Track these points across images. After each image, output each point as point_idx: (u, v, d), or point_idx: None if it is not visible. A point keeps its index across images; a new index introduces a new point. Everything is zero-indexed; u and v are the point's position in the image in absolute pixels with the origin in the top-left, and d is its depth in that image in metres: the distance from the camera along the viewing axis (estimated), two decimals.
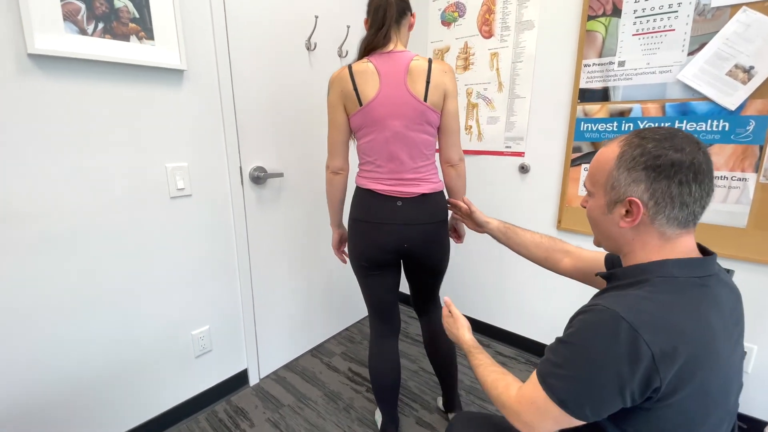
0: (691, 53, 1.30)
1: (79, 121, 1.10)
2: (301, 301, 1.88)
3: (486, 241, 1.88)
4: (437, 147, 1.20)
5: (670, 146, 0.56)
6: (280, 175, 1.61)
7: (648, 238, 0.60)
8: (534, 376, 0.62)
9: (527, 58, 1.68)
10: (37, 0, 0.97)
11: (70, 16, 1.03)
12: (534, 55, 1.66)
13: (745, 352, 1.36)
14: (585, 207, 0.71)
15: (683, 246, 0.60)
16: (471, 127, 1.92)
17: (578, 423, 0.58)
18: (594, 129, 1.53)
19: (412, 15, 1.17)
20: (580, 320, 0.58)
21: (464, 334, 0.90)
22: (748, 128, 1.24)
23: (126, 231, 1.23)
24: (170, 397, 1.45)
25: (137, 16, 1.15)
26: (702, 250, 0.63)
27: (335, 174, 1.22)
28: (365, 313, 2.19)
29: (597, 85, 1.50)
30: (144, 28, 1.17)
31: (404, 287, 1.81)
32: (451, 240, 1.34)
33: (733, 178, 1.29)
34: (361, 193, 1.20)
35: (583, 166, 1.59)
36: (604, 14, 1.44)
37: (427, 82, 1.08)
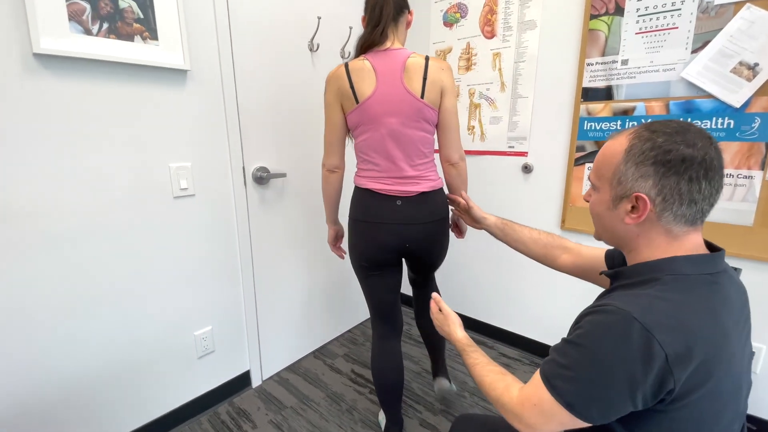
0: (695, 51, 1.29)
1: (83, 121, 1.10)
2: (303, 303, 1.88)
3: (488, 241, 1.88)
4: (437, 145, 1.19)
5: (681, 141, 0.54)
6: (283, 175, 1.61)
7: (654, 235, 0.59)
8: (537, 377, 0.60)
9: (530, 58, 1.68)
10: (42, 0, 0.97)
11: (75, 16, 1.04)
12: (536, 55, 1.66)
13: (753, 352, 1.35)
14: (588, 201, 0.69)
15: (691, 243, 0.58)
16: (474, 127, 1.92)
17: (584, 425, 0.56)
18: (597, 128, 1.53)
19: (410, 12, 1.17)
20: (590, 321, 0.56)
21: (456, 331, 0.86)
22: (753, 125, 1.23)
23: (129, 231, 1.24)
24: (172, 399, 1.45)
25: (141, 16, 1.16)
26: (709, 246, 0.61)
27: (331, 172, 1.22)
28: (368, 314, 2.18)
29: (600, 83, 1.50)
30: (148, 29, 1.17)
31: (405, 288, 1.80)
32: (452, 235, 1.33)
33: (739, 176, 1.28)
34: (360, 192, 1.20)
35: (587, 165, 1.58)
36: (606, 13, 1.44)
37: (424, 79, 1.08)
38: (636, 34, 1.39)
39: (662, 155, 0.54)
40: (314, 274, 1.90)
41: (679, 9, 1.30)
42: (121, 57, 1.13)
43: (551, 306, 1.82)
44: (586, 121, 1.55)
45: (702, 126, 1.31)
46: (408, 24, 1.18)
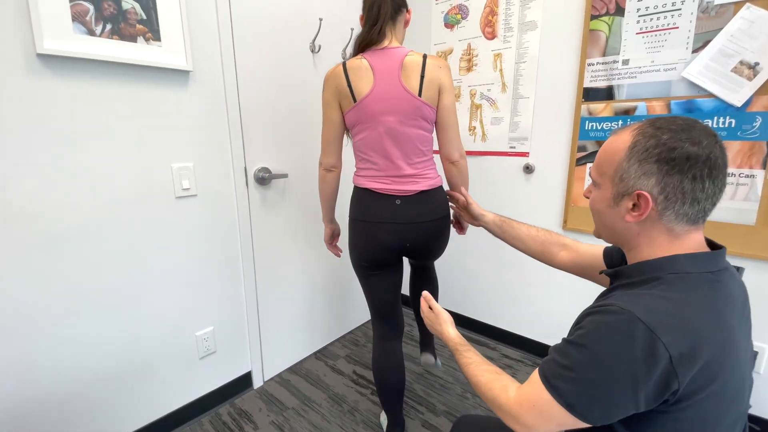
0: (696, 51, 1.29)
1: (86, 121, 1.11)
2: (304, 304, 1.87)
3: (489, 241, 1.88)
4: (437, 144, 1.19)
5: (686, 138, 0.53)
6: (285, 176, 1.62)
7: (655, 234, 0.58)
8: (536, 377, 0.59)
9: (530, 59, 1.68)
10: (46, 1, 0.98)
11: (78, 17, 1.05)
12: (537, 56, 1.66)
13: (756, 352, 1.34)
14: (588, 197, 0.68)
15: (692, 242, 0.57)
16: (475, 128, 1.92)
17: (584, 425, 0.55)
18: (599, 128, 1.53)
19: (408, 11, 1.16)
20: (592, 321, 0.55)
21: (448, 330, 0.84)
22: (754, 124, 1.24)
23: (131, 230, 1.24)
24: (174, 399, 1.44)
25: (144, 17, 1.16)
26: (711, 244, 0.60)
27: (328, 171, 1.22)
28: (370, 316, 2.18)
29: (601, 84, 1.50)
30: (151, 30, 1.18)
31: (405, 288, 1.80)
32: (452, 230, 1.33)
33: (741, 175, 1.28)
34: (359, 192, 1.19)
35: (588, 165, 1.58)
36: (607, 13, 1.45)
37: (422, 77, 1.07)
38: (636, 34, 1.40)
39: (666, 153, 0.53)
40: (315, 275, 1.90)
41: (680, 9, 1.31)
42: (123, 58, 1.13)
43: (554, 306, 1.82)
44: (587, 121, 1.55)
45: None
46: (406, 23, 1.18)
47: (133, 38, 1.15)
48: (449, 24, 1.93)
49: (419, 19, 2.04)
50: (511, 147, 1.81)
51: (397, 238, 1.16)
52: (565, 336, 0.59)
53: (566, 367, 0.55)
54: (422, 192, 1.15)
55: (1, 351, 1.05)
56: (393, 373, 1.30)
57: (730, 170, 1.29)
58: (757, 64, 1.21)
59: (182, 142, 1.32)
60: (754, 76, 1.21)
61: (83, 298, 1.17)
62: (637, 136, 0.57)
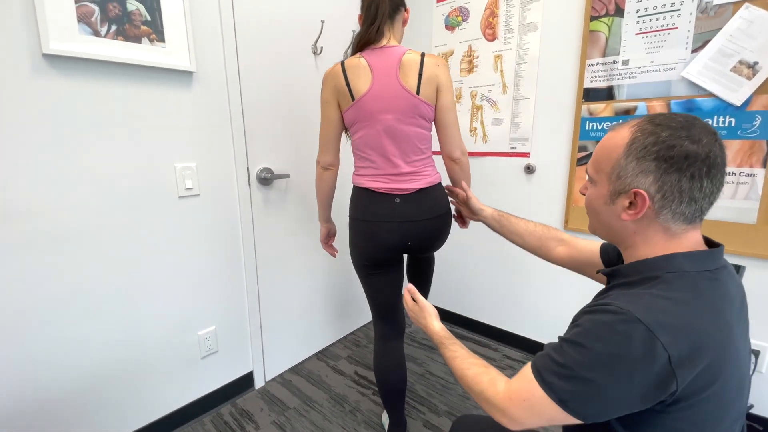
0: (695, 50, 1.30)
1: (90, 121, 1.12)
2: (306, 304, 1.88)
3: (490, 241, 1.88)
4: (437, 143, 1.19)
5: (686, 136, 0.52)
6: (287, 176, 1.63)
7: (651, 233, 0.57)
8: (528, 372, 0.58)
9: (531, 60, 1.69)
10: (52, 2, 1.00)
11: (84, 18, 1.06)
12: (537, 57, 1.67)
13: (758, 351, 1.34)
14: (584, 194, 0.67)
15: (689, 240, 0.57)
16: (476, 129, 1.93)
17: (576, 422, 0.54)
18: (599, 128, 1.54)
19: (406, 10, 1.17)
20: (590, 320, 0.54)
21: (432, 323, 0.83)
22: (754, 123, 1.24)
23: (134, 230, 1.24)
24: (175, 399, 1.44)
25: (149, 19, 1.18)
26: (708, 242, 0.60)
27: (325, 169, 1.22)
28: (371, 317, 2.18)
29: (601, 84, 1.51)
30: (155, 31, 1.20)
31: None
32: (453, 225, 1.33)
33: (742, 174, 1.28)
34: (358, 192, 1.20)
35: None
36: (606, 14, 1.46)
37: (420, 75, 1.08)
38: (636, 34, 1.41)
39: (665, 150, 0.53)
40: (317, 275, 1.90)
41: (679, 9, 1.31)
42: (128, 58, 1.15)
43: (556, 307, 1.82)
44: (587, 122, 1.56)
45: None
46: (404, 22, 1.19)
47: (137, 39, 1.16)
48: (450, 26, 1.94)
49: (420, 22, 2.06)
50: (512, 147, 1.82)
51: (398, 236, 1.16)
52: (562, 335, 0.58)
53: (561, 365, 0.54)
54: (421, 190, 1.15)
55: (3, 350, 1.05)
56: (394, 373, 1.30)
57: (730, 169, 1.30)
58: (756, 63, 1.21)
59: (185, 142, 1.33)
60: (754, 75, 1.22)
61: (85, 297, 1.17)
62: (635, 133, 0.56)
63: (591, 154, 1.57)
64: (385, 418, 1.46)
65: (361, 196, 1.19)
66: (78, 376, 1.19)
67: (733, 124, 1.28)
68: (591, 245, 0.87)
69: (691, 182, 0.52)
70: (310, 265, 1.85)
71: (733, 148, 1.28)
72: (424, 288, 1.49)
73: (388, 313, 1.29)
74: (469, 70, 1.91)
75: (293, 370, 1.84)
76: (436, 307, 2.25)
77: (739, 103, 1.25)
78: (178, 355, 1.42)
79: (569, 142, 1.64)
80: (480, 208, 1.13)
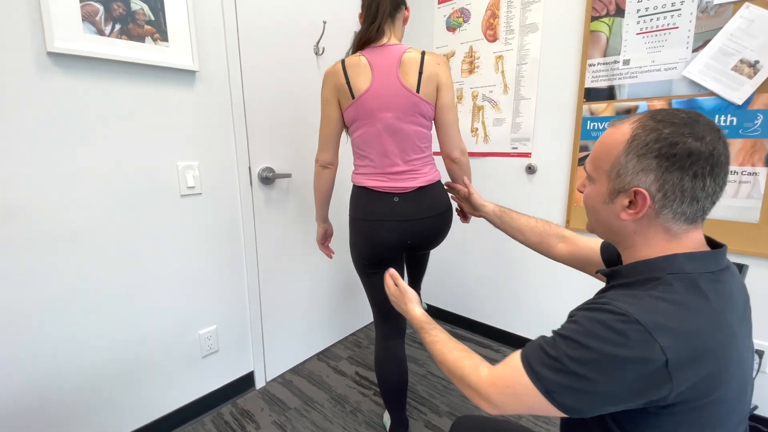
0: (696, 50, 1.31)
1: (93, 119, 1.13)
2: (307, 305, 1.87)
3: (492, 241, 1.88)
4: (436, 142, 1.19)
5: (689, 133, 0.50)
6: (288, 176, 1.63)
7: (651, 233, 0.56)
8: (515, 361, 0.57)
9: (532, 60, 1.70)
10: (57, 1, 1.01)
11: (88, 17, 1.07)
12: (539, 57, 1.68)
13: (763, 351, 1.33)
14: (582, 192, 0.65)
15: (691, 241, 0.55)
16: (477, 129, 1.93)
17: (558, 413, 0.53)
18: (600, 128, 1.54)
19: (406, 9, 1.17)
20: (586, 317, 0.53)
21: (413, 309, 0.84)
22: (756, 122, 1.24)
23: (135, 228, 1.25)
24: (176, 398, 1.44)
25: (152, 18, 1.19)
26: (711, 242, 0.58)
27: (324, 168, 1.22)
28: (372, 317, 2.18)
29: (602, 84, 1.51)
30: (159, 30, 1.21)
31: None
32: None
33: (744, 173, 1.28)
34: (357, 191, 1.20)
35: None
36: (607, 14, 1.46)
37: (420, 74, 1.08)
38: (637, 34, 1.41)
39: (667, 148, 0.51)
40: (318, 275, 1.90)
41: (679, 9, 1.32)
42: (132, 57, 1.16)
43: (558, 307, 1.81)
44: (589, 121, 1.56)
45: None
46: (405, 20, 1.19)
47: (141, 38, 1.17)
48: (451, 27, 1.95)
49: (421, 23, 2.07)
50: (513, 148, 1.82)
51: (397, 235, 1.16)
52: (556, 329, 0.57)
53: (553, 358, 0.53)
54: (420, 188, 1.15)
55: (4, 349, 1.05)
56: (395, 372, 1.30)
57: (732, 168, 1.30)
58: (757, 62, 1.21)
59: (188, 141, 1.33)
60: (755, 74, 1.22)
61: (86, 295, 1.17)
62: (636, 129, 0.54)
63: None
64: (387, 419, 1.45)
65: (360, 195, 1.19)
66: (78, 375, 1.19)
67: (734, 123, 1.27)
68: (592, 243, 0.86)
69: (694, 181, 0.51)
70: (312, 264, 1.85)
71: (734, 147, 1.28)
72: (418, 278, 1.51)
73: (389, 312, 1.29)
74: (470, 71, 1.91)
75: (294, 370, 1.83)
76: (437, 308, 2.26)
77: (740, 102, 1.25)
78: (179, 354, 1.42)
79: (570, 142, 1.64)
80: (482, 204, 1.13)
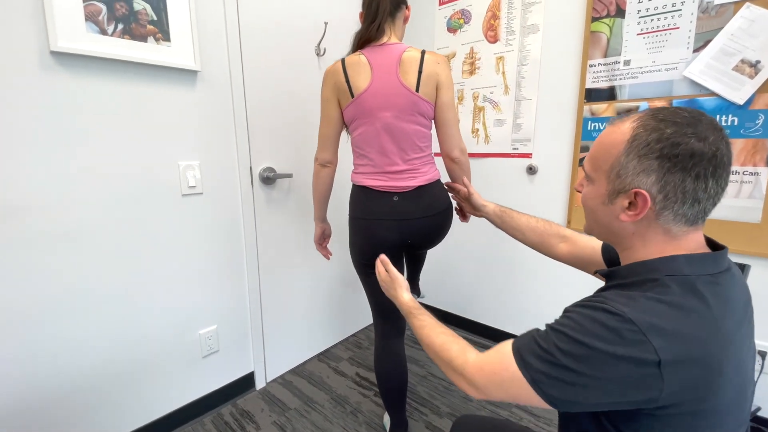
0: (697, 50, 1.31)
1: (95, 118, 1.13)
2: (307, 305, 1.87)
3: (493, 242, 1.88)
4: (436, 141, 1.19)
5: (692, 133, 0.49)
6: (289, 176, 1.63)
7: (651, 235, 0.55)
8: (505, 348, 0.57)
9: (533, 61, 1.70)
10: (60, 0, 1.01)
11: (91, 16, 1.08)
12: (539, 58, 1.68)
13: (766, 353, 1.32)
14: (579, 191, 0.64)
15: (691, 242, 0.54)
16: (478, 130, 1.93)
17: (542, 403, 0.53)
18: (601, 128, 1.54)
19: (407, 8, 1.17)
20: (582, 314, 0.52)
21: (402, 295, 0.85)
22: (757, 122, 1.24)
23: (136, 227, 1.25)
24: (176, 398, 1.44)
25: (155, 18, 1.20)
26: (712, 244, 0.57)
27: (323, 166, 1.23)
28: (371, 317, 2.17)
29: (603, 84, 1.51)
30: (161, 30, 1.21)
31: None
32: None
33: (745, 173, 1.28)
34: (357, 190, 1.20)
35: None
36: (608, 15, 1.47)
37: (419, 73, 1.08)
38: (637, 35, 1.42)
39: (669, 148, 0.49)
40: (319, 276, 1.90)
41: (680, 9, 1.32)
42: (134, 57, 1.16)
43: (558, 308, 1.80)
44: (589, 122, 1.57)
45: None
46: (405, 19, 1.19)
47: (143, 38, 1.18)
48: (452, 28, 1.96)
49: (422, 24, 2.08)
50: (514, 148, 1.82)
51: (397, 234, 1.16)
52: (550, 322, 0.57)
53: (544, 350, 0.52)
54: (419, 187, 1.15)
55: (4, 349, 1.05)
56: (395, 372, 1.29)
57: (734, 168, 1.29)
58: (758, 62, 1.21)
59: (189, 141, 1.34)
60: (756, 74, 1.22)
61: (87, 295, 1.17)
62: (637, 129, 0.52)
63: None
64: (387, 420, 1.44)
65: (359, 195, 1.19)
66: (78, 375, 1.19)
67: (736, 123, 1.27)
68: (593, 242, 0.85)
69: (696, 182, 0.50)
70: (312, 265, 1.85)
71: (736, 146, 1.28)
72: (416, 272, 1.53)
73: (388, 311, 1.29)
74: (471, 72, 1.92)
75: (294, 371, 1.83)
76: (437, 309, 2.25)
77: (741, 102, 1.25)
78: (179, 354, 1.42)
79: (571, 143, 1.64)
80: (482, 203, 1.13)
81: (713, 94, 1.29)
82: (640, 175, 0.52)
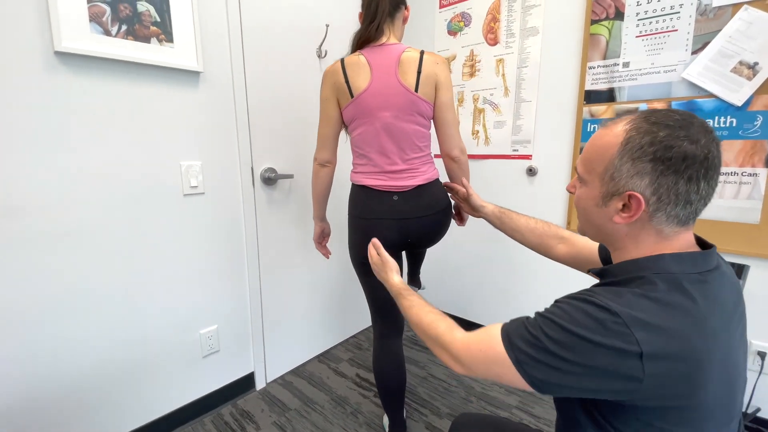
0: (695, 52, 1.32)
1: (98, 118, 1.14)
2: (308, 306, 1.87)
3: (491, 244, 1.88)
4: (436, 141, 1.20)
5: (684, 136, 0.50)
6: (291, 176, 1.64)
7: (644, 236, 0.56)
8: (494, 330, 0.59)
9: (532, 63, 1.71)
10: (65, 1, 1.02)
11: (95, 17, 1.09)
12: (539, 60, 1.69)
13: (765, 353, 1.32)
14: (572, 192, 0.65)
15: (680, 242, 0.55)
16: (478, 131, 1.94)
17: (525, 385, 0.54)
18: None
19: (406, 8, 1.18)
20: (570, 304, 0.54)
21: (392, 277, 0.88)
22: (755, 123, 1.25)
23: (137, 227, 1.25)
24: (176, 398, 1.44)
25: (158, 20, 1.21)
26: (702, 243, 0.58)
27: (322, 166, 1.23)
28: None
29: (602, 86, 1.52)
30: (164, 32, 1.22)
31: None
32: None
33: (744, 174, 1.28)
34: (356, 190, 1.21)
35: None
36: (607, 18, 1.48)
37: (419, 73, 1.08)
38: (636, 37, 1.43)
39: (662, 151, 0.50)
40: (319, 277, 1.90)
41: (678, 12, 1.33)
42: (137, 58, 1.17)
43: None
44: (589, 123, 1.57)
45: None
46: (405, 20, 1.20)
47: (146, 39, 1.19)
48: (452, 31, 1.97)
49: (423, 27, 2.09)
50: (514, 150, 1.83)
51: (397, 233, 1.16)
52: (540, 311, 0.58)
53: (532, 335, 0.54)
54: (419, 187, 1.15)
55: (4, 349, 1.05)
56: (393, 372, 1.29)
57: (732, 169, 1.30)
58: (756, 64, 1.22)
59: (191, 141, 1.34)
60: (754, 75, 1.23)
61: (87, 295, 1.18)
62: (630, 132, 0.53)
63: None
64: (386, 420, 1.44)
65: (359, 194, 1.19)
66: (78, 375, 1.19)
67: (734, 125, 1.28)
68: (591, 243, 0.86)
69: (689, 184, 0.51)
70: (313, 266, 1.85)
71: (734, 148, 1.29)
72: (417, 267, 1.55)
73: (387, 310, 1.29)
74: (471, 74, 1.93)
75: (294, 372, 1.83)
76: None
77: (740, 104, 1.26)
78: (180, 353, 1.42)
79: (571, 144, 1.65)
80: (481, 204, 1.13)
81: (712, 95, 1.30)
82: (634, 177, 0.53)
